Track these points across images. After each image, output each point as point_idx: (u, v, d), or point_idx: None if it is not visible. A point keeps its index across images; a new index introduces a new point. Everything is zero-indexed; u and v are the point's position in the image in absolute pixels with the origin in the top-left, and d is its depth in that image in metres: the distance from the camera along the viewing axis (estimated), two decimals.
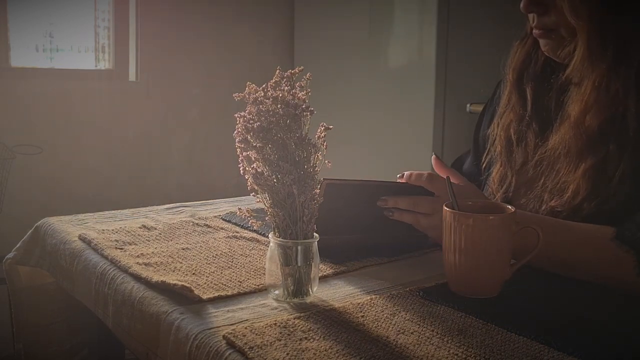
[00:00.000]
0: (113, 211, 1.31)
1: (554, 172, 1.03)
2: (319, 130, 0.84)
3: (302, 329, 0.75)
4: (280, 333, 0.73)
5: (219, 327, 0.76)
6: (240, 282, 0.90)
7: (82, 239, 1.10)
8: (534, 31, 1.05)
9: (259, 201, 0.84)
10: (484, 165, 1.19)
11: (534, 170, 1.07)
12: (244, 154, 0.83)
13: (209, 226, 1.19)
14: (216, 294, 0.85)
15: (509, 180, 1.10)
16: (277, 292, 0.85)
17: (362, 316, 0.78)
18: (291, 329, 0.74)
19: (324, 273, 0.94)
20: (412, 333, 0.74)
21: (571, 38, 1.00)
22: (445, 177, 0.94)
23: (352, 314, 0.79)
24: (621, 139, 0.96)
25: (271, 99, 0.82)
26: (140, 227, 1.17)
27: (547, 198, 1.02)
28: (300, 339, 0.72)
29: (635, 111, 0.95)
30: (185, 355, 0.75)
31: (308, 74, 0.84)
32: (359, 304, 0.82)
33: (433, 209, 0.97)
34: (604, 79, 0.96)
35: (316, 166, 0.83)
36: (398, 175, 1.05)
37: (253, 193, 0.85)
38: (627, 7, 0.96)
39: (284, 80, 0.84)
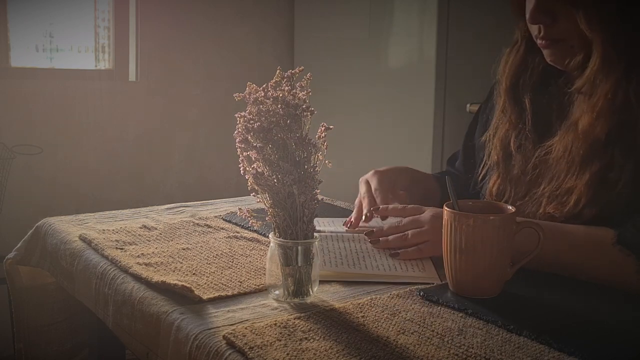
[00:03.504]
0: (113, 211, 1.31)
1: (554, 178, 1.02)
2: (319, 130, 0.84)
3: (302, 329, 0.75)
4: (281, 333, 0.73)
5: (219, 327, 0.76)
6: (241, 282, 0.90)
7: (83, 239, 1.10)
8: (539, 42, 1.03)
9: (260, 201, 0.84)
10: (480, 176, 1.18)
11: (531, 174, 1.07)
12: (244, 154, 0.83)
13: (209, 226, 1.19)
14: (216, 294, 0.85)
15: (507, 193, 1.09)
16: (277, 292, 0.85)
17: (363, 316, 0.78)
18: (291, 329, 0.74)
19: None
20: (412, 333, 0.74)
21: (580, 48, 0.99)
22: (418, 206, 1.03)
23: (352, 314, 0.79)
24: (626, 145, 0.95)
25: (271, 99, 0.82)
26: (140, 227, 1.17)
27: (545, 203, 1.02)
28: (301, 339, 0.72)
29: None
30: (186, 355, 0.75)
31: (308, 74, 0.84)
32: (359, 304, 0.82)
33: (423, 235, 1.01)
34: (616, 89, 0.95)
35: (316, 166, 0.83)
36: (373, 209, 1.10)
37: (253, 193, 0.85)
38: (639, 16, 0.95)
39: (285, 80, 0.84)
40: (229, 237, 1.12)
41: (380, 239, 1.04)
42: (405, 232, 1.02)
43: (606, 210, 0.95)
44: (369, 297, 0.85)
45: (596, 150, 0.97)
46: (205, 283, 0.89)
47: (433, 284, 0.91)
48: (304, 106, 0.82)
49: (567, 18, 0.98)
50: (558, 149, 1.02)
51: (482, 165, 1.18)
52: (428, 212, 1.02)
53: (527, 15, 1.01)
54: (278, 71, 0.84)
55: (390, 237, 1.03)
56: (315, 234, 0.84)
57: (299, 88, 0.83)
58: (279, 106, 0.81)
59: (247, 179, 0.84)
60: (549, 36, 1.01)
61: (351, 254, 1.03)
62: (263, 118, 0.81)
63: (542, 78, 1.10)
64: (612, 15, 0.95)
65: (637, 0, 0.95)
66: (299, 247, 0.83)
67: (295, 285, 0.84)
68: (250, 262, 0.99)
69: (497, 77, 1.15)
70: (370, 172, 1.20)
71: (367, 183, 1.18)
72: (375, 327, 0.76)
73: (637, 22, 0.95)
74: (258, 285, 0.89)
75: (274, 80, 0.84)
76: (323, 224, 1.17)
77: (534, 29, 1.04)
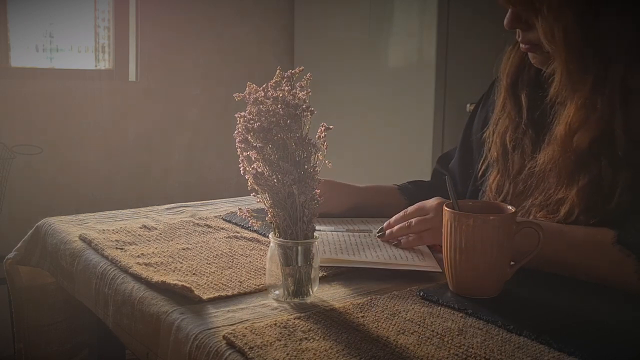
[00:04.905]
0: (113, 211, 1.31)
1: (544, 190, 1.03)
2: (319, 130, 0.84)
3: (302, 329, 0.75)
4: (281, 333, 0.73)
5: (219, 327, 0.76)
6: (241, 282, 0.90)
7: (83, 239, 1.10)
8: (520, 45, 1.05)
9: (259, 201, 0.84)
10: (480, 172, 1.19)
11: (523, 184, 1.07)
12: (244, 154, 0.83)
13: (209, 226, 1.19)
14: (216, 294, 0.85)
15: (506, 189, 1.10)
16: (277, 292, 0.85)
17: (362, 316, 0.78)
18: (291, 329, 0.74)
19: (324, 273, 0.94)
20: (412, 333, 0.74)
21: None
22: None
23: (352, 314, 0.79)
24: (612, 155, 0.95)
25: (271, 99, 0.82)
26: (140, 227, 1.17)
27: (535, 211, 1.02)
28: (301, 339, 0.72)
29: (622, 130, 0.94)
30: (186, 355, 0.75)
31: (308, 74, 0.84)
32: (359, 304, 0.82)
33: (427, 223, 1.02)
34: (587, 100, 0.96)
35: (316, 166, 0.83)
36: (377, 232, 1.09)
37: (253, 193, 0.85)
38: (605, 28, 0.95)
39: (285, 80, 0.84)
40: (229, 237, 1.12)
41: (387, 231, 1.06)
42: (410, 220, 1.03)
43: (607, 220, 0.95)
44: (369, 297, 0.85)
45: (581, 161, 0.97)
46: (205, 283, 0.89)
47: (434, 282, 0.91)
48: (304, 106, 0.82)
49: (537, 27, 0.99)
50: (544, 160, 1.02)
51: (482, 161, 1.18)
52: (434, 200, 1.03)
53: (505, 22, 1.03)
54: (278, 71, 0.84)
55: (395, 228, 1.05)
56: (315, 234, 0.84)
57: (299, 88, 0.83)
58: (279, 106, 0.81)
59: (247, 179, 0.84)
60: (527, 40, 1.03)
61: (351, 246, 1.03)
62: (263, 118, 0.81)
63: (539, 75, 1.10)
64: (574, 30, 0.94)
65: (598, 13, 0.94)
66: (299, 247, 0.83)
67: (295, 285, 0.84)
68: (250, 262, 0.99)
69: (499, 74, 1.16)
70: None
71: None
72: (375, 327, 0.76)
73: (602, 35, 0.95)
74: (258, 285, 0.89)
75: (274, 80, 0.84)
76: (323, 224, 1.17)
77: (516, 33, 1.06)
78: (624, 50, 0.95)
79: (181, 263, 0.98)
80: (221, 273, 0.94)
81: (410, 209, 1.05)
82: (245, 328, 0.74)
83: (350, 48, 2.72)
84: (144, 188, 2.81)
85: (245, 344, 0.70)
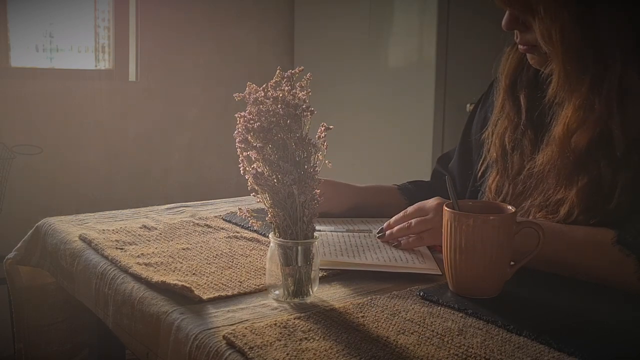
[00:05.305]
0: (113, 211, 1.31)
1: (544, 190, 1.03)
2: (319, 130, 0.84)
3: (302, 329, 0.75)
4: (281, 333, 0.73)
5: (219, 327, 0.76)
6: (241, 282, 0.90)
7: (83, 239, 1.10)
8: (518, 46, 1.06)
9: (259, 201, 0.84)
10: (480, 172, 1.19)
11: (523, 185, 1.07)
12: (244, 154, 0.83)
13: (209, 226, 1.19)
14: (216, 294, 0.85)
15: (506, 189, 1.10)
16: (277, 292, 0.85)
17: (362, 316, 0.78)
18: (291, 329, 0.74)
19: (324, 273, 0.94)
20: (412, 333, 0.74)
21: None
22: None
23: (352, 314, 0.79)
24: (611, 156, 0.95)
25: (271, 99, 0.82)
26: (140, 227, 1.17)
27: (535, 211, 1.02)
28: (301, 339, 0.72)
29: (620, 130, 0.94)
30: (186, 355, 0.75)
31: (308, 74, 0.84)
32: (359, 304, 0.82)
33: (427, 223, 1.02)
34: (585, 101, 0.96)
35: (316, 166, 0.83)
36: (377, 233, 1.09)
37: (253, 193, 0.85)
38: (602, 28, 0.95)
39: (285, 80, 0.84)
40: (229, 237, 1.12)
41: (387, 232, 1.06)
42: (410, 221, 1.03)
43: (607, 220, 0.95)
44: (369, 297, 0.85)
45: (580, 162, 0.97)
46: (205, 283, 0.90)
47: (434, 282, 0.91)
48: (304, 106, 0.82)
49: (534, 28, 0.99)
50: (543, 160, 1.02)
51: (481, 162, 1.18)
52: (433, 200, 1.03)
53: (502, 23, 1.03)
54: (278, 71, 0.84)
55: (395, 229, 1.05)
56: (315, 234, 0.84)
57: (299, 88, 0.83)
58: (279, 106, 0.81)
59: (247, 179, 0.84)
60: (524, 41, 1.03)
61: (351, 247, 1.03)
62: (263, 118, 0.81)
63: (537, 75, 1.10)
64: (571, 31, 0.94)
65: (595, 13, 0.94)
66: (299, 247, 0.83)
67: (295, 285, 0.84)
68: (250, 262, 0.99)
69: (498, 75, 1.16)
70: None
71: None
72: (375, 327, 0.76)
73: (600, 36, 0.95)
74: (258, 285, 0.89)
75: (274, 80, 0.84)
76: (323, 224, 1.17)
77: (514, 34, 1.06)
78: (621, 50, 0.95)
79: (181, 263, 0.98)
80: (221, 273, 0.94)
81: (410, 209, 1.05)
82: (245, 328, 0.74)
83: (350, 48, 2.72)
84: (144, 188, 2.81)
85: (245, 344, 0.70)
